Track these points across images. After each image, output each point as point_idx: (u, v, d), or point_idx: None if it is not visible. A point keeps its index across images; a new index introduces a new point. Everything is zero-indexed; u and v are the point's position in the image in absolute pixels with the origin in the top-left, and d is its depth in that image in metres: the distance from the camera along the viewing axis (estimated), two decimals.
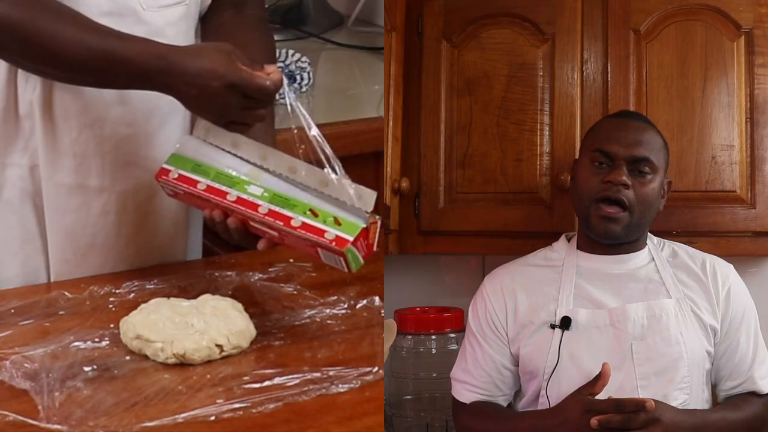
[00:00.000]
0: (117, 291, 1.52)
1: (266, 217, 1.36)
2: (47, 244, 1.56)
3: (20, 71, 1.47)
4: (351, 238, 1.31)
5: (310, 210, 1.35)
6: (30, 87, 1.48)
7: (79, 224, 1.56)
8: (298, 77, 2.18)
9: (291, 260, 1.63)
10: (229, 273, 1.60)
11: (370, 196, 1.33)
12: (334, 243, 1.31)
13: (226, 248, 1.93)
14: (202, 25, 1.64)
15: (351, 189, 1.34)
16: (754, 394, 1.55)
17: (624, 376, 1.49)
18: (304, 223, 1.34)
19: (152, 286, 1.55)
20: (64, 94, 1.49)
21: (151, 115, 1.55)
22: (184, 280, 1.57)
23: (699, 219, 1.76)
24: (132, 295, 1.52)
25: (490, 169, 1.86)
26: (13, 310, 1.46)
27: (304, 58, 2.22)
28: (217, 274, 1.59)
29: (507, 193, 1.85)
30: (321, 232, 1.33)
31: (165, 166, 1.47)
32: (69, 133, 1.51)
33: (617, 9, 1.82)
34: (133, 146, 1.55)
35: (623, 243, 1.56)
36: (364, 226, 1.32)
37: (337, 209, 1.35)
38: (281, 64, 2.15)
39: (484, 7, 1.90)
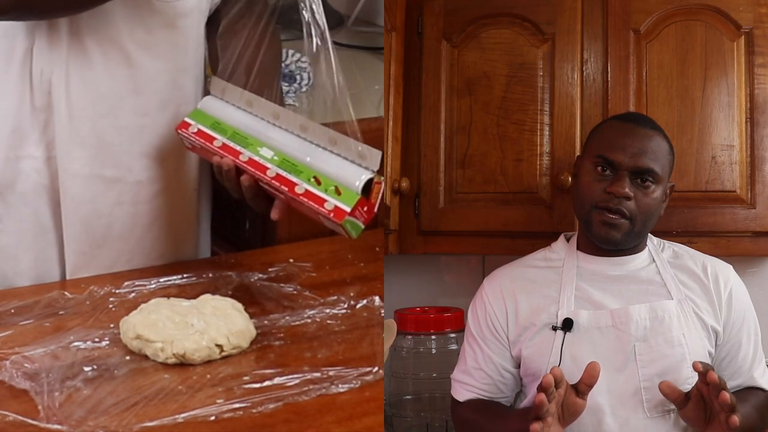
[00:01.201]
0: (117, 291, 1.52)
1: (273, 181, 1.40)
2: (61, 236, 1.58)
3: (35, 64, 1.48)
4: (348, 209, 1.33)
5: (314, 177, 1.37)
6: (46, 78, 1.49)
7: (95, 215, 1.57)
8: (298, 77, 2.18)
9: (291, 260, 1.63)
10: (229, 273, 1.59)
11: (375, 155, 1.34)
12: (332, 214, 1.33)
13: (225, 248, 1.94)
14: (211, 25, 1.64)
15: (358, 147, 1.35)
16: (754, 388, 1.56)
17: (627, 377, 1.48)
18: (307, 191, 1.37)
19: (152, 286, 1.55)
20: (80, 84, 1.50)
21: (165, 107, 1.56)
22: (184, 280, 1.57)
23: (699, 219, 1.76)
24: (132, 295, 1.52)
25: (490, 169, 1.86)
26: (13, 310, 1.46)
27: (304, 58, 2.21)
28: (217, 274, 1.59)
29: (507, 193, 1.85)
30: (321, 202, 1.35)
31: (186, 119, 1.52)
32: (85, 123, 1.52)
33: (617, 9, 1.82)
34: (148, 137, 1.57)
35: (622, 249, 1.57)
36: (360, 195, 1.33)
37: (341, 168, 1.36)
38: (281, 64, 2.15)
39: (484, 7, 1.90)
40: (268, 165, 1.41)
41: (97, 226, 1.57)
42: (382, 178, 1.35)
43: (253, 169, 1.42)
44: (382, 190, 1.34)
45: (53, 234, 1.57)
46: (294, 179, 1.38)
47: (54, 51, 1.48)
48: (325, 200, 1.35)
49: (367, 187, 1.34)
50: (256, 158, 1.42)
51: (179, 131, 1.52)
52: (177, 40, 1.54)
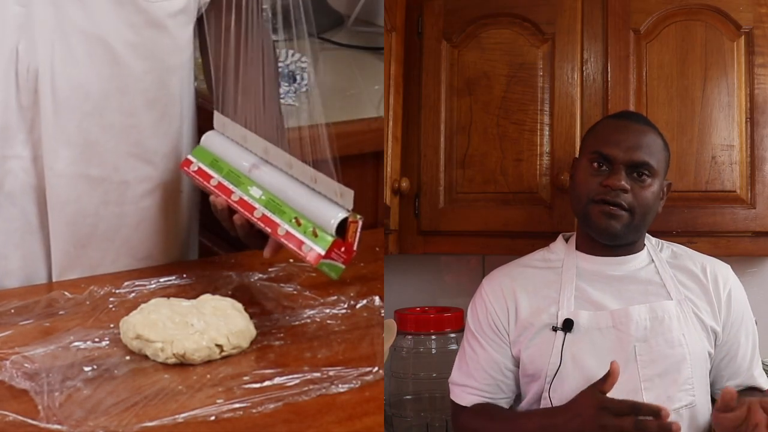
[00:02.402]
0: (117, 291, 1.52)
1: (259, 222, 1.42)
2: (48, 235, 1.57)
3: (21, 62, 1.47)
4: (323, 252, 1.34)
5: (296, 218, 1.39)
6: (32, 77, 1.48)
7: (80, 214, 1.56)
8: (298, 77, 2.18)
9: (291, 260, 1.63)
10: (229, 273, 1.59)
11: (348, 194, 1.35)
12: (308, 257, 1.35)
13: (225, 248, 1.93)
14: (202, 27, 1.64)
15: (335, 186, 1.37)
16: (753, 389, 1.56)
17: (627, 378, 1.48)
18: (287, 232, 1.38)
19: (152, 286, 1.54)
20: (66, 82, 1.49)
21: (152, 107, 1.56)
22: (184, 280, 1.57)
23: (699, 219, 1.76)
24: (132, 295, 1.51)
25: (490, 169, 1.86)
26: (13, 310, 1.46)
27: (304, 58, 2.21)
28: (217, 274, 1.59)
29: (507, 193, 1.85)
30: (300, 244, 1.37)
31: (189, 157, 1.56)
32: (71, 122, 1.51)
33: (617, 9, 1.83)
34: (134, 137, 1.56)
35: (621, 244, 1.56)
36: (335, 237, 1.34)
37: (320, 208, 1.37)
38: (281, 64, 2.15)
39: (484, 7, 1.90)
40: (256, 205, 1.43)
41: (82, 225, 1.57)
42: (359, 216, 1.35)
43: (242, 209, 1.44)
44: (359, 229, 1.35)
45: (40, 233, 1.57)
46: (277, 220, 1.40)
47: (40, 49, 1.47)
48: (303, 242, 1.36)
49: (346, 226, 1.35)
50: (246, 198, 1.45)
51: (183, 169, 1.55)
52: (164, 41, 1.54)
